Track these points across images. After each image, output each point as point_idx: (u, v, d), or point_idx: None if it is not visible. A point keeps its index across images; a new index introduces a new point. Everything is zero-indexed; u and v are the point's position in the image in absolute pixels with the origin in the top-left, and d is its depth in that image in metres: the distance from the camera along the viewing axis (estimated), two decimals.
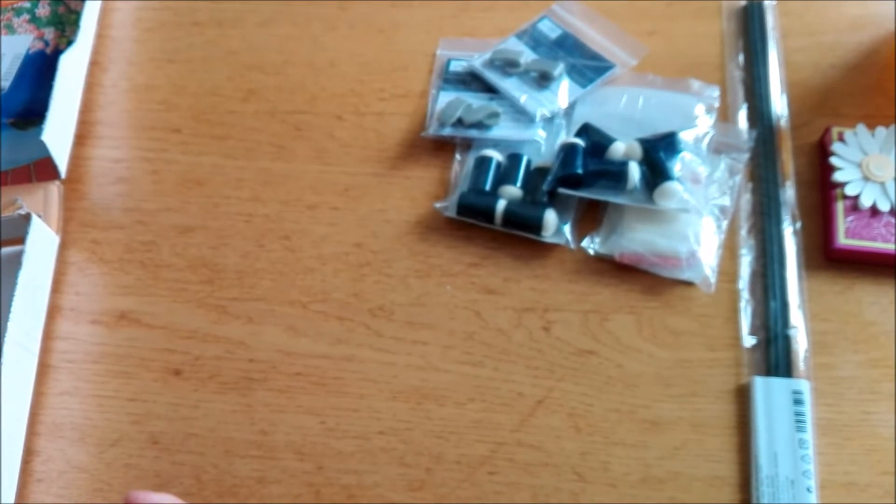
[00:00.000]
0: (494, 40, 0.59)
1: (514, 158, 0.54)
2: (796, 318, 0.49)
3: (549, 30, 0.60)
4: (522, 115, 0.55)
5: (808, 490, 0.44)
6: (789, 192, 0.53)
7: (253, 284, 0.52)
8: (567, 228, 0.52)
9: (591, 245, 0.52)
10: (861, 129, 0.53)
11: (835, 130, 0.53)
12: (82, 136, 0.58)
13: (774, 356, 0.47)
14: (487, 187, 0.53)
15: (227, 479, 0.46)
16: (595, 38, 0.59)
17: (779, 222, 0.52)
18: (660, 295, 0.50)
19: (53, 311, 0.52)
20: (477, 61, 0.58)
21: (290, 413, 0.48)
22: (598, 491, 0.45)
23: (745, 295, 0.50)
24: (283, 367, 0.49)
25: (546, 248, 0.52)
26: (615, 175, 0.51)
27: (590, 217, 0.53)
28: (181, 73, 0.60)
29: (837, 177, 0.51)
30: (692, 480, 0.45)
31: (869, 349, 0.48)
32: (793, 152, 0.55)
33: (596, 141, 0.53)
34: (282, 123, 0.58)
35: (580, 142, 0.53)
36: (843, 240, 0.50)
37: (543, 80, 0.56)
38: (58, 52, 0.57)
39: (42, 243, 0.51)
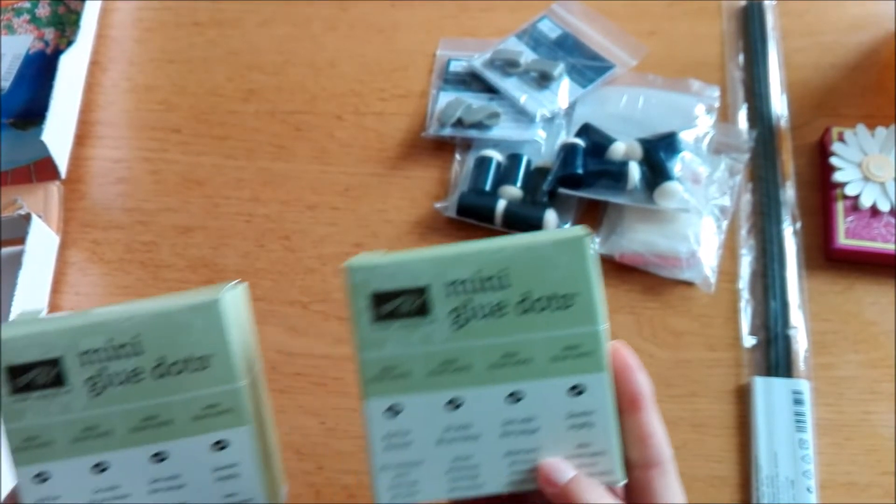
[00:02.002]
0: (494, 40, 0.59)
1: (514, 158, 0.54)
2: (796, 318, 0.49)
3: (549, 30, 0.60)
4: (522, 116, 0.55)
5: (808, 490, 0.44)
6: (789, 192, 0.53)
7: (253, 284, 0.52)
8: None
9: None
10: (861, 129, 0.53)
11: (835, 130, 0.53)
12: (82, 136, 0.58)
13: (774, 356, 0.47)
14: (487, 187, 0.53)
15: None
16: (595, 38, 0.59)
17: (779, 222, 0.52)
18: (660, 295, 0.50)
19: (53, 311, 0.52)
20: (477, 61, 0.58)
21: (290, 413, 0.48)
22: None
23: (745, 295, 0.50)
24: (283, 367, 0.49)
25: None
26: (615, 175, 0.51)
27: (590, 217, 0.53)
28: (181, 73, 0.60)
29: (837, 177, 0.51)
30: (692, 480, 0.45)
31: (869, 349, 0.48)
32: (793, 152, 0.55)
33: (596, 141, 0.53)
34: (282, 123, 0.58)
35: (580, 142, 0.53)
36: (843, 240, 0.50)
37: (543, 80, 0.56)
38: (58, 53, 0.57)
39: (42, 243, 0.51)
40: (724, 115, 0.56)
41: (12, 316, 0.47)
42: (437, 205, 0.53)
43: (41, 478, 0.29)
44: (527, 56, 0.58)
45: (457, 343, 0.29)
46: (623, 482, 0.29)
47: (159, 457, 0.29)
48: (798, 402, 0.46)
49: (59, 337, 0.29)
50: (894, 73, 0.57)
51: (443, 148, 0.56)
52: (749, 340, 0.49)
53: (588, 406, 0.29)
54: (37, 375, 0.29)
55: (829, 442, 0.46)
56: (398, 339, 0.29)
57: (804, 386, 0.46)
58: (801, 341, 0.48)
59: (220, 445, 0.29)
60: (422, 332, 0.29)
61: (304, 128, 0.58)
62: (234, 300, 0.30)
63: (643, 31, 0.60)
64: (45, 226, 0.52)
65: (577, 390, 0.29)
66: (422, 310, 0.29)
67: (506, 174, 0.53)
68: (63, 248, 0.54)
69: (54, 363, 0.29)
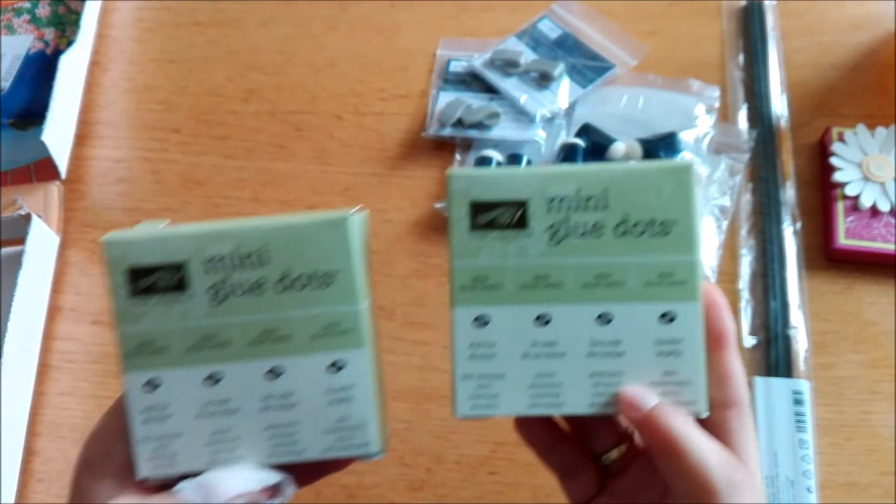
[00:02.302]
0: (494, 40, 0.59)
1: (514, 159, 0.54)
2: (796, 318, 0.49)
3: (549, 30, 0.60)
4: (522, 116, 0.55)
5: (808, 490, 0.44)
6: (789, 192, 0.53)
7: None
8: None
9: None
10: (861, 129, 0.53)
11: (835, 130, 0.53)
12: (82, 136, 0.58)
13: (774, 356, 0.47)
14: None
15: None
16: (595, 38, 0.59)
17: (779, 222, 0.52)
18: None
19: (53, 311, 0.52)
20: (477, 61, 0.58)
21: None
22: None
23: (745, 295, 0.50)
24: None
25: None
26: None
27: None
28: (181, 73, 0.60)
29: (837, 177, 0.51)
30: None
31: (869, 349, 0.48)
32: (793, 152, 0.55)
33: (596, 141, 0.53)
34: (282, 123, 0.58)
35: (580, 142, 0.53)
36: (843, 240, 0.50)
37: (543, 80, 0.56)
38: (58, 53, 0.57)
39: (42, 243, 0.51)
40: (724, 115, 0.56)
41: (13, 312, 0.47)
42: (437, 205, 0.53)
43: (151, 385, 0.29)
44: (527, 56, 0.58)
45: (551, 259, 0.29)
46: (706, 414, 0.29)
47: (274, 373, 0.29)
48: (798, 402, 0.46)
49: (185, 241, 0.28)
50: (894, 73, 0.57)
51: (443, 148, 0.56)
52: (749, 340, 0.49)
53: (677, 334, 0.29)
54: (159, 279, 0.29)
55: (829, 442, 0.46)
56: (493, 249, 0.29)
57: (804, 386, 0.46)
58: (801, 341, 0.48)
59: (336, 366, 0.29)
60: (517, 245, 0.29)
61: (304, 128, 0.58)
62: (360, 223, 0.30)
63: (643, 31, 0.59)
64: (45, 226, 0.52)
65: (667, 317, 0.29)
66: (520, 222, 0.29)
67: None
68: (63, 248, 0.54)
69: (178, 268, 0.29)
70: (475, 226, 0.29)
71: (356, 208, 0.30)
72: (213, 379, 0.29)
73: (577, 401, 0.29)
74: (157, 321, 0.29)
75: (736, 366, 0.29)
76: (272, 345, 0.29)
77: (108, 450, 0.29)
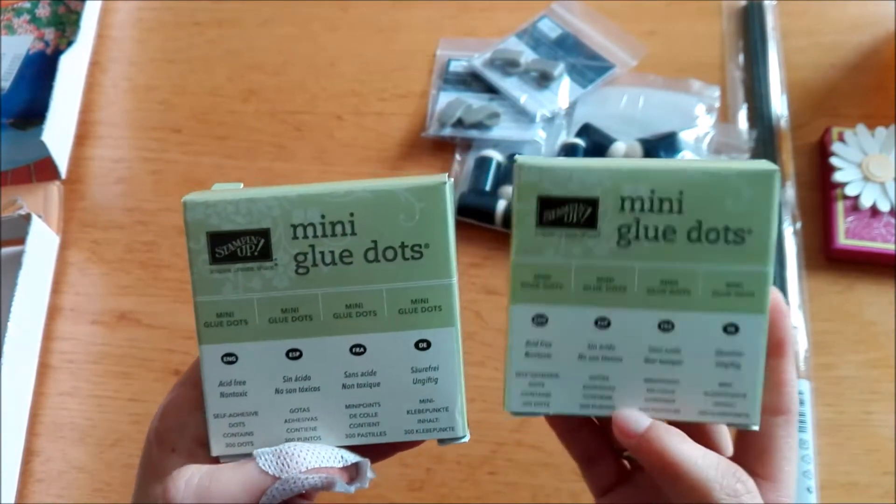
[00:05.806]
0: (494, 40, 0.59)
1: (514, 159, 0.54)
2: (796, 318, 0.49)
3: (550, 29, 0.60)
4: (523, 116, 0.55)
5: (809, 490, 0.44)
6: (789, 193, 0.53)
7: None
8: None
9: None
10: (861, 129, 0.53)
11: (835, 130, 0.53)
12: (82, 136, 0.58)
13: None
14: (487, 187, 0.53)
15: None
16: (595, 37, 0.59)
17: (779, 222, 0.52)
18: None
19: (53, 311, 0.52)
20: (477, 61, 0.58)
21: None
22: None
23: None
24: None
25: None
26: None
27: None
28: (181, 73, 0.60)
29: (837, 177, 0.51)
30: None
31: (869, 349, 0.48)
32: (793, 152, 0.55)
33: (596, 141, 0.53)
34: (282, 123, 0.58)
35: (581, 142, 0.53)
36: (843, 240, 0.50)
37: (544, 80, 0.56)
38: (58, 53, 0.57)
39: (42, 243, 0.51)
40: (724, 115, 0.56)
41: (13, 312, 0.47)
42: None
43: (229, 359, 0.28)
44: (527, 56, 0.58)
45: (617, 262, 0.28)
46: (757, 428, 0.29)
47: (357, 350, 0.28)
48: (798, 402, 0.46)
49: (270, 206, 0.27)
50: (894, 73, 0.57)
51: (443, 148, 0.56)
52: None
53: (739, 346, 0.28)
54: (244, 245, 0.27)
55: (829, 442, 0.46)
56: (559, 247, 0.28)
57: (804, 386, 0.46)
58: (801, 341, 0.48)
59: (422, 345, 0.28)
60: (584, 245, 0.28)
61: (304, 128, 0.58)
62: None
63: (643, 31, 0.59)
64: (45, 226, 0.52)
65: (731, 329, 0.28)
66: (589, 222, 0.28)
67: (506, 174, 0.53)
68: (63, 248, 0.54)
69: (263, 234, 0.27)
70: (542, 222, 0.28)
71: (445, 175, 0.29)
72: (293, 355, 0.28)
73: (629, 404, 0.29)
74: (237, 291, 0.27)
75: (792, 374, 0.29)
76: (355, 320, 0.27)
77: (182, 421, 0.28)
